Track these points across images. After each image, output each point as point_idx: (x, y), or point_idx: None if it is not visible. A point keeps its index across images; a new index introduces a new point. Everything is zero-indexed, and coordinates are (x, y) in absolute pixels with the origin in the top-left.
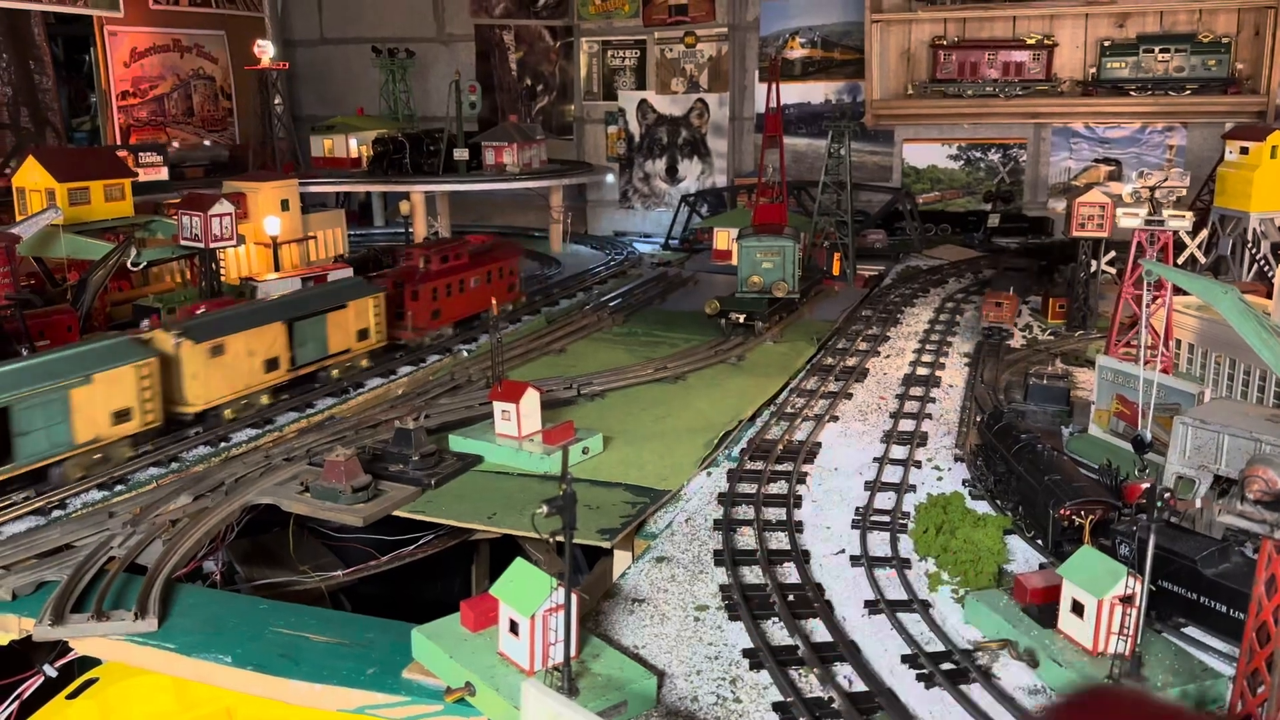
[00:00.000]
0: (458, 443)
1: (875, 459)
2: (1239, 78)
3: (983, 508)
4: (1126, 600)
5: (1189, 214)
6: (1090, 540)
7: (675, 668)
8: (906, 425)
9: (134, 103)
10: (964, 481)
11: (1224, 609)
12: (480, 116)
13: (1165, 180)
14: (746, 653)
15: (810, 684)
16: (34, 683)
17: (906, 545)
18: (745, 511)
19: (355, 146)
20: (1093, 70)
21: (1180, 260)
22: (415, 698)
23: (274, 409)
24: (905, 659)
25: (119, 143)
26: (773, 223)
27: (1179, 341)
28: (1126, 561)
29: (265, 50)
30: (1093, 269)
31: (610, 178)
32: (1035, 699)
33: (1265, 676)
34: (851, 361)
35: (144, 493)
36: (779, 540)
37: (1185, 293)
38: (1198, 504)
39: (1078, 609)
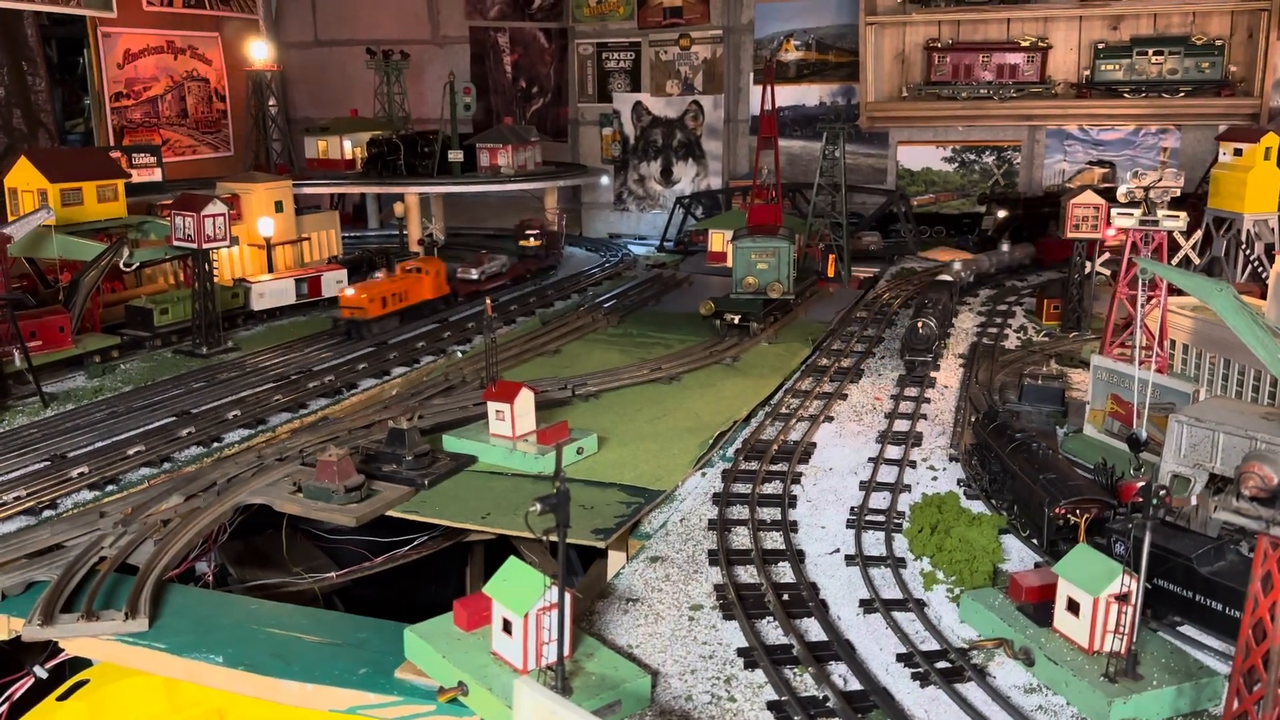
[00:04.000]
0: (451, 443)
1: (870, 459)
2: (1232, 80)
3: (978, 507)
4: (1122, 598)
5: (1183, 214)
6: (1085, 539)
7: (670, 667)
8: (901, 425)
9: (127, 104)
10: (959, 481)
11: (1220, 607)
12: (475, 118)
13: (1159, 180)
14: (741, 652)
15: (805, 683)
16: (24, 684)
17: (901, 545)
18: (740, 511)
19: (349, 148)
20: (1086, 72)
21: (1174, 261)
22: (407, 698)
23: (267, 409)
24: (900, 658)
25: (112, 144)
26: (767, 224)
27: (1173, 341)
28: (1122, 560)
29: (259, 52)
30: (1087, 270)
31: (605, 180)
32: (1031, 698)
33: (1261, 674)
34: (846, 362)
35: (135, 493)
36: (774, 540)
37: (1180, 293)
38: (1193, 502)
39: (1073, 607)
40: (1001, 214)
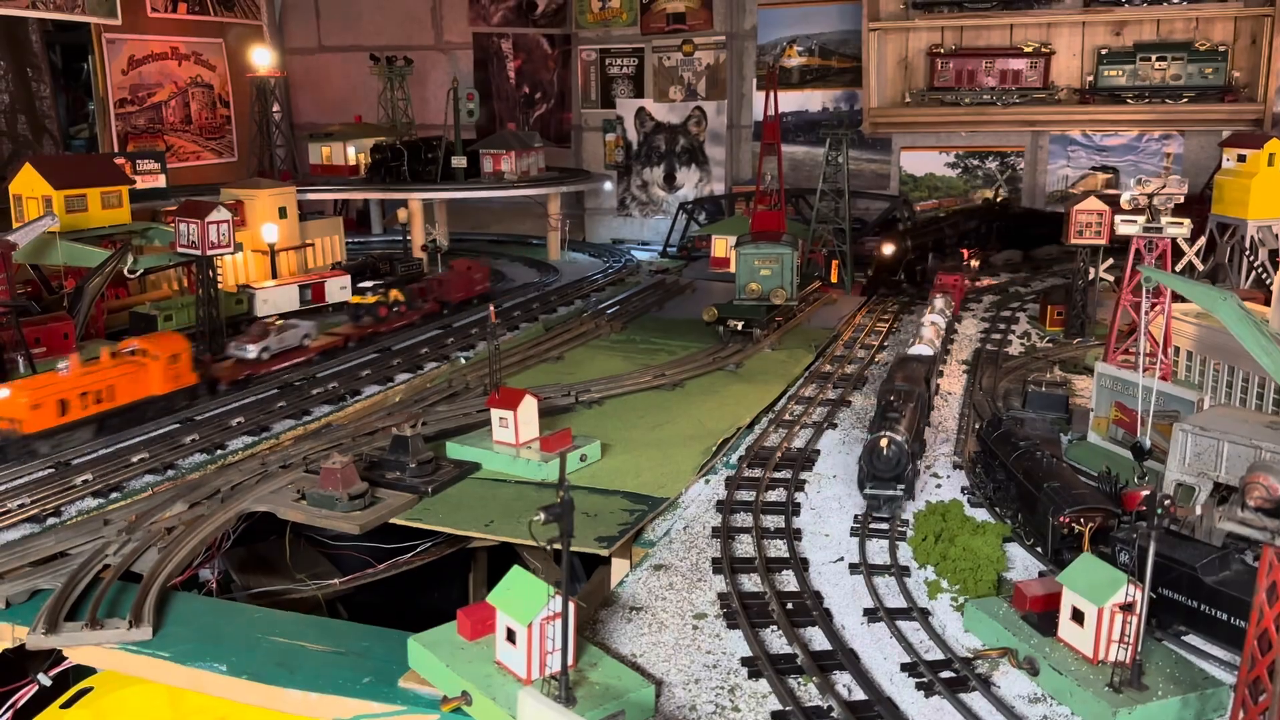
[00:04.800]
0: (455, 450)
1: None
2: (1236, 86)
3: (982, 515)
4: (1127, 608)
5: (1187, 220)
6: (1090, 547)
7: (673, 676)
8: None
9: (132, 110)
10: (963, 489)
11: (1225, 617)
12: (478, 124)
13: (1163, 187)
14: (745, 661)
15: (809, 693)
16: (28, 691)
17: (905, 553)
18: (743, 519)
19: (353, 154)
20: (1090, 78)
21: (1178, 267)
22: (411, 707)
23: (270, 416)
24: (904, 667)
25: (116, 150)
26: (771, 230)
27: (1177, 348)
28: (1126, 569)
29: (263, 58)
30: (1090, 276)
31: (608, 185)
32: (1035, 708)
33: (1267, 685)
34: (850, 369)
35: (139, 500)
36: (777, 548)
37: (1184, 299)
38: (1198, 511)
39: (1078, 617)
40: (887, 250)
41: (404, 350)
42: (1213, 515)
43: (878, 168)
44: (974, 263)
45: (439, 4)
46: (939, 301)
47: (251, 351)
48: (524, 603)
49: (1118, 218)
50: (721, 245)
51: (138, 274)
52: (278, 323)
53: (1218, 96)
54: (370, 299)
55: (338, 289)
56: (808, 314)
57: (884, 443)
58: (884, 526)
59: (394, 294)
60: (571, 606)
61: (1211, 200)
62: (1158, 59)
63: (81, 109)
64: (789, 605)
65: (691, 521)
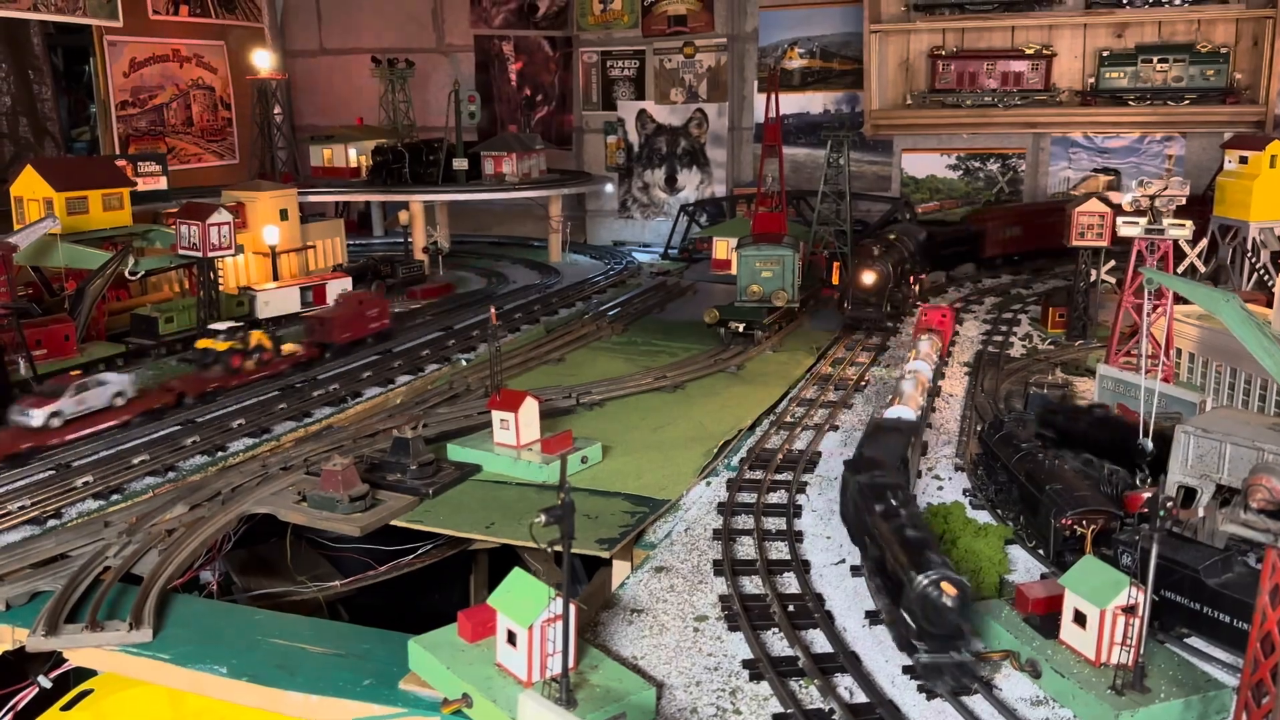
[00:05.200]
0: (456, 452)
1: None
2: (1237, 87)
3: (984, 517)
4: (1129, 610)
5: (1188, 222)
6: (1092, 550)
7: (675, 679)
8: None
9: (133, 112)
10: (965, 491)
11: (1228, 619)
12: (480, 126)
13: (1165, 189)
14: (746, 663)
15: (811, 695)
16: (28, 694)
17: None
18: (745, 521)
19: (354, 156)
20: (1091, 80)
21: (1180, 269)
22: (412, 709)
23: (271, 418)
24: (906, 670)
25: (118, 152)
26: (772, 232)
27: (1179, 350)
28: (1129, 571)
29: (264, 61)
30: (1092, 278)
31: (609, 187)
32: (1038, 710)
33: (1270, 687)
34: (851, 371)
35: (140, 502)
36: (779, 550)
37: (1186, 301)
38: (1200, 513)
39: (1080, 619)
40: (867, 278)
41: (405, 352)
42: (1215, 517)
43: (879, 170)
44: (915, 287)
45: (440, 6)
46: (923, 345)
47: (36, 418)
48: (525, 605)
49: (1120, 219)
50: (723, 247)
51: (139, 276)
52: (78, 376)
53: (1219, 98)
54: (222, 345)
55: (338, 291)
56: (809, 316)
57: (950, 592)
58: None
59: (257, 336)
60: (572, 609)
61: (1213, 202)
62: (1159, 61)
63: (83, 111)
64: (790, 607)
65: (693, 524)
